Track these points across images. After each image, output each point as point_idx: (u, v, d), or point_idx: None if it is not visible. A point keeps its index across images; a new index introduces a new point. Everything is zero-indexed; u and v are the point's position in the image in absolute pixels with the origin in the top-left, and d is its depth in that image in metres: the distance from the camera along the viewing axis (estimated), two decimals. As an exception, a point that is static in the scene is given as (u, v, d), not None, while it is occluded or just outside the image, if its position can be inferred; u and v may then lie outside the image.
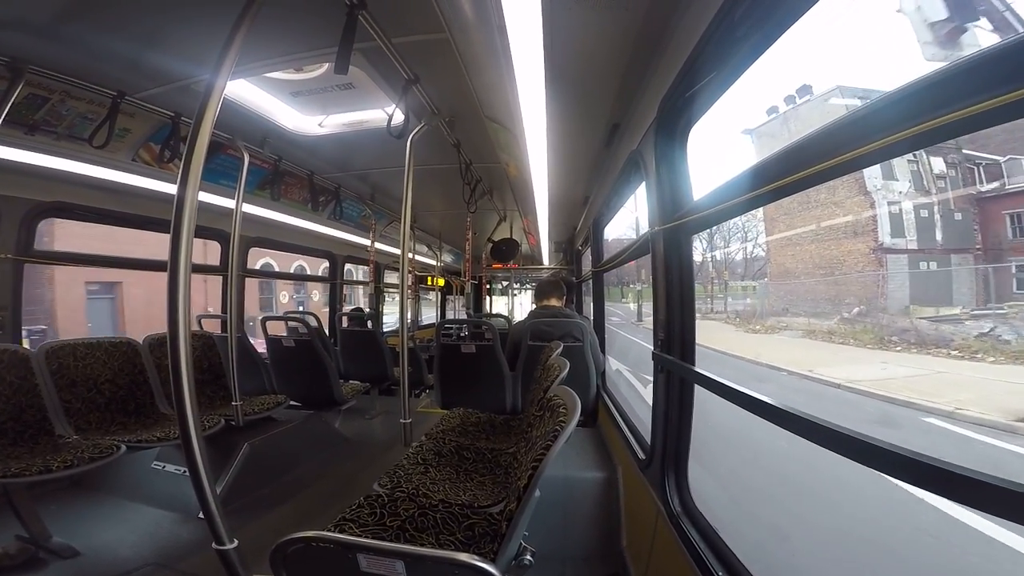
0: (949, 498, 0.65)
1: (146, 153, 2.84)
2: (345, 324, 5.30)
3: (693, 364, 1.63)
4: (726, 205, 1.28)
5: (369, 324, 5.19)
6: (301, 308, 21.23)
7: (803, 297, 19.88)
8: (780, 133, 21.30)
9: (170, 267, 1.30)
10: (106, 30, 1.91)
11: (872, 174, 17.19)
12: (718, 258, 34.92)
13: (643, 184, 2.06)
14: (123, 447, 2.32)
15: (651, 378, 1.97)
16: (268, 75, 2.35)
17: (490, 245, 6.04)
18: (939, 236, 16.32)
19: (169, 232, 1.30)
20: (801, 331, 16.82)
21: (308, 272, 19.30)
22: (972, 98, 0.59)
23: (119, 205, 3.19)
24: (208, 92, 1.35)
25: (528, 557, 1.40)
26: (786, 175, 0.98)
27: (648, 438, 2.03)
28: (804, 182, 0.93)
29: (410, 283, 4.95)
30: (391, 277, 7.59)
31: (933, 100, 0.65)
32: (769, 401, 1.07)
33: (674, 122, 1.70)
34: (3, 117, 2.02)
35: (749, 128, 23.53)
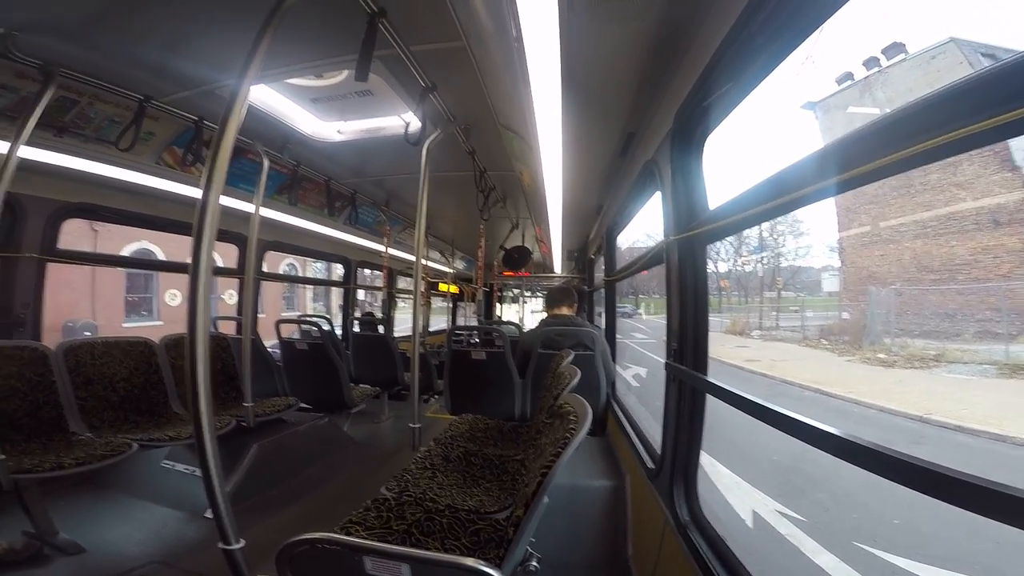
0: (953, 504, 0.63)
1: (169, 156, 2.91)
2: (357, 328, 5.33)
3: (705, 374, 1.61)
4: (743, 215, 1.27)
5: (381, 329, 5.22)
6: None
7: (903, 312, 14.40)
8: (858, 104, 17.30)
9: (191, 269, 1.32)
10: (135, 36, 1.98)
11: (1020, 145, 11.99)
12: (749, 263, 32.74)
13: (657, 193, 2.06)
14: (135, 445, 2.34)
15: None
16: (289, 81, 2.40)
17: (502, 252, 6.05)
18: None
19: (189, 235, 1.33)
20: (986, 364, 10.89)
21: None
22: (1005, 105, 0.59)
23: (141, 207, 3.27)
24: (233, 98, 1.39)
25: (534, 563, 1.39)
26: (809, 184, 0.97)
27: (658, 448, 2.00)
28: (828, 190, 0.92)
29: (423, 289, 4.99)
30: (404, 283, 7.64)
31: (972, 104, 0.64)
32: (781, 411, 1.05)
33: (690, 131, 1.70)
34: (35, 119, 2.08)
35: (812, 101, 19.39)
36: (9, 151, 2.03)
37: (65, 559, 2.09)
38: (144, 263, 14.84)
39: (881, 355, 13.34)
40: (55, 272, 2.90)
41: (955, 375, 10.85)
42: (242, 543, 1.44)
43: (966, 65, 13.48)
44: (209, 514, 1.39)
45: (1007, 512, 0.58)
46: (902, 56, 16.00)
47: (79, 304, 13.93)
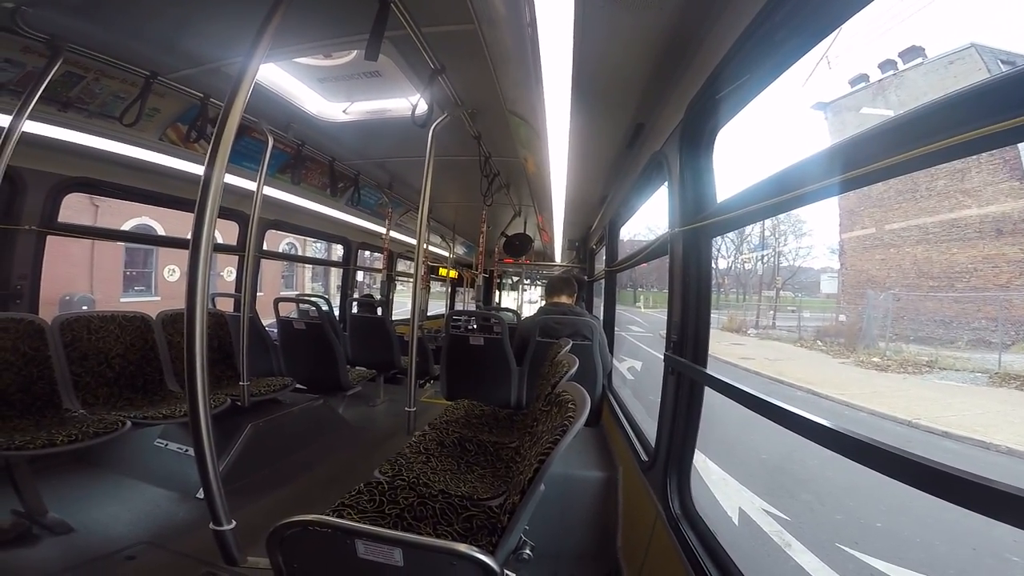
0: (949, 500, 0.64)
1: (173, 133, 2.88)
2: (355, 310, 5.34)
3: (705, 367, 1.61)
4: (750, 209, 1.26)
5: (379, 311, 5.22)
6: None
7: (899, 317, 14.32)
8: (870, 106, 17.07)
9: (192, 245, 1.31)
10: (144, 12, 1.95)
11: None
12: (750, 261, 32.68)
13: (663, 187, 2.04)
14: (128, 423, 2.31)
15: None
16: (297, 60, 2.36)
17: (503, 239, 6.04)
18: None
19: (191, 211, 1.32)
20: (978, 372, 10.73)
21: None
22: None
23: (142, 182, 3.24)
24: (240, 76, 1.37)
25: (527, 551, 1.40)
26: (816, 180, 0.96)
27: (652, 441, 2.01)
28: (835, 188, 0.91)
29: (423, 273, 4.98)
30: (403, 266, 7.62)
31: (982, 109, 0.63)
32: (782, 405, 1.05)
33: (701, 124, 1.68)
34: (40, 93, 2.05)
35: (823, 102, 19.27)
36: (11, 124, 2.01)
37: (53, 538, 2.05)
38: (144, 238, 14.70)
39: (875, 359, 13.39)
40: (54, 245, 2.88)
41: (946, 381, 10.85)
42: (233, 524, 1.44)
43: (984, 71, 13.24)
44: (201, 494, 1.38)
45: (1000, 508, 0.58)
46: (920, 60, 15.70)
47: (78, 278, 13.85)
